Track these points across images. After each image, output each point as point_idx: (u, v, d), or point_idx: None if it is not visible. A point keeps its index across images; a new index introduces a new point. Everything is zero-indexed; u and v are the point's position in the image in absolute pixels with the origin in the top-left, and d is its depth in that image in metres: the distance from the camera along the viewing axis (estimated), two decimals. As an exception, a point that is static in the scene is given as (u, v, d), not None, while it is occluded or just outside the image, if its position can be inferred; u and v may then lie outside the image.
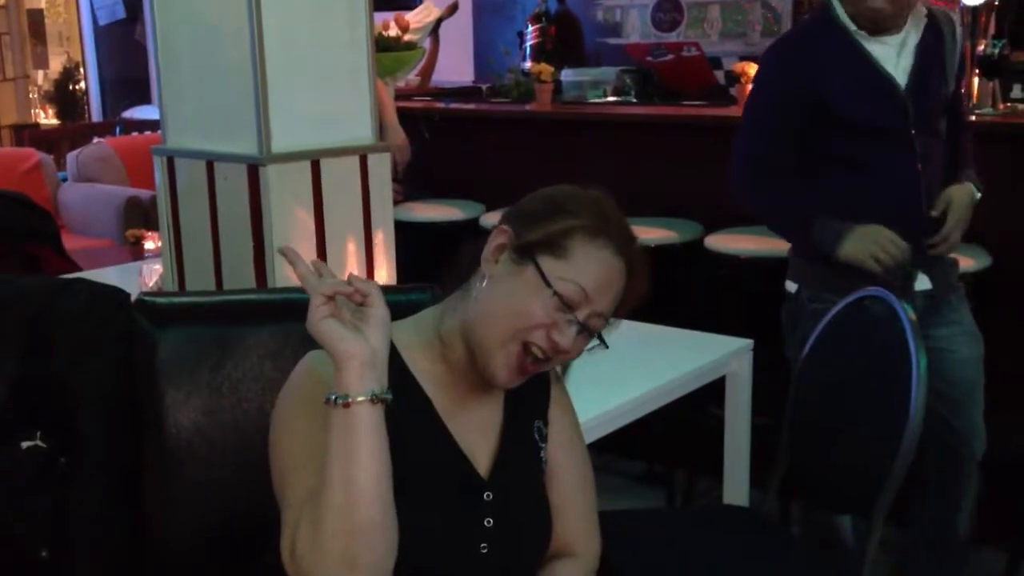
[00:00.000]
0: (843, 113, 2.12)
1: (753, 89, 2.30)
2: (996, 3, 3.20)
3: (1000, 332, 2.58)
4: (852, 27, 2.13)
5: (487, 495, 1.29)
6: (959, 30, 2.26)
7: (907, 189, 2.13)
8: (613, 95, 4.07)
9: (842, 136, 2.14)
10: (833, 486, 1.94)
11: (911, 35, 2.15)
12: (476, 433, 1.32)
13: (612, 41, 5.18)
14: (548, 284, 1.22)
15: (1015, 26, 4.36)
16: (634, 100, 4.02)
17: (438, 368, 1.30)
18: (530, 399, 1.37)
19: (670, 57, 4.19)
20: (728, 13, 4.85)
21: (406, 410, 1.21)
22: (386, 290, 1.16)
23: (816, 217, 2.13)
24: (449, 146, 3.88)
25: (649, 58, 4.17)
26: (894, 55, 2.14)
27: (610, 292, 1.25)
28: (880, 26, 2.12)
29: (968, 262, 2.62)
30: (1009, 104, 3.08)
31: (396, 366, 1.20)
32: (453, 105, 4.10)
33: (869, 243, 2.07)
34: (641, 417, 2.03)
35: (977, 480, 2.30)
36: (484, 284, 1.26)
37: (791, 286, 2.29)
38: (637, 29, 5.11)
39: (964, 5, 3.06)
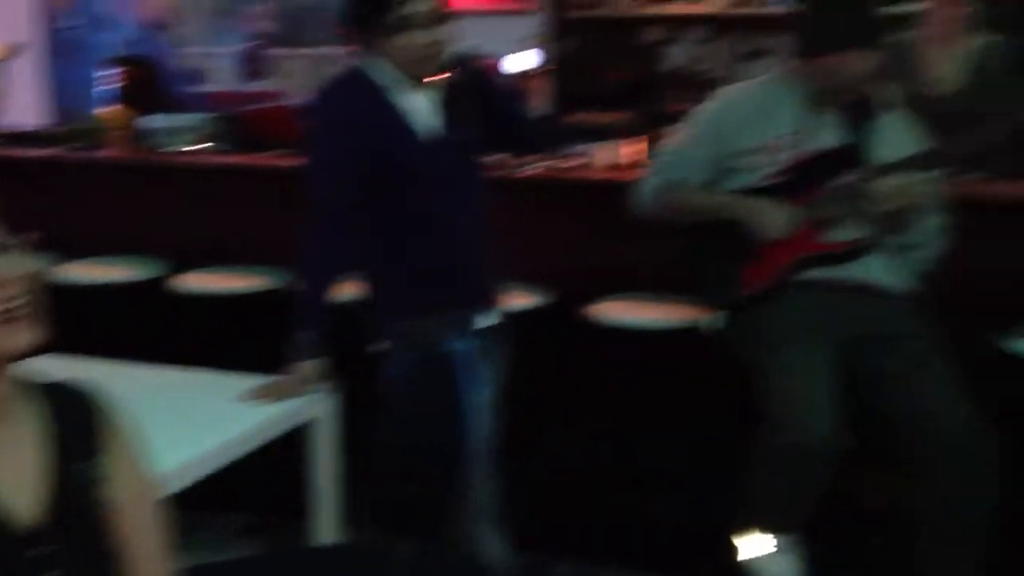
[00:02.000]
0: (383, 167, 2.20)
1: (314, 142, 2.29)
2: (537, 71, 3.61)
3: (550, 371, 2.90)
4: (389, 81, 2.21)
5: (42, 549, 1.24)
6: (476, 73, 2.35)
7: (453, 240, 2.28)
8: (200, 142, 4.02)
9: (395, 187, 2.22)
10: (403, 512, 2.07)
11: (443, 85, 2.26)
12: (12, 477, 1.26)
13: (198, 88, 5.12)
14: None
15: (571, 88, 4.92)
16: (220, 148, 4.01)
17: None
18: (73, 437, 1.33)
19: (257, 106, 4.26)
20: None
21: None
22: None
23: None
24: (12, 192, 3.63)
25: (236, 106, 4.20)
26: (429, 106, 2.24)
27: None
28: (421, 76, 2.22)
29: (525, 300, 2.92)
30: (556, 161, 3.48)
31: None
32: (19, 151, 3.87)
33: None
34: (233, 466, 2.04)
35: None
36: None
37: (383, 344, 2.34)
38: (223, 77, 5.10)
39: (511, 72, 3.41)
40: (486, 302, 2.35)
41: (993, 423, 2.34)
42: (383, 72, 2.22)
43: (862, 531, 2.72)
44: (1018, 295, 2.69)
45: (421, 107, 2.25)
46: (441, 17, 2.21)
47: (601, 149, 3.44)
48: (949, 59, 3.40)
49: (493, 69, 2.40)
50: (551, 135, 2.44)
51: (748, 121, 2.58)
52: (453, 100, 2.27)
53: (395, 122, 2.23)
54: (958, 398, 2.36)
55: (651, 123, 4.27)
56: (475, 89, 2.29)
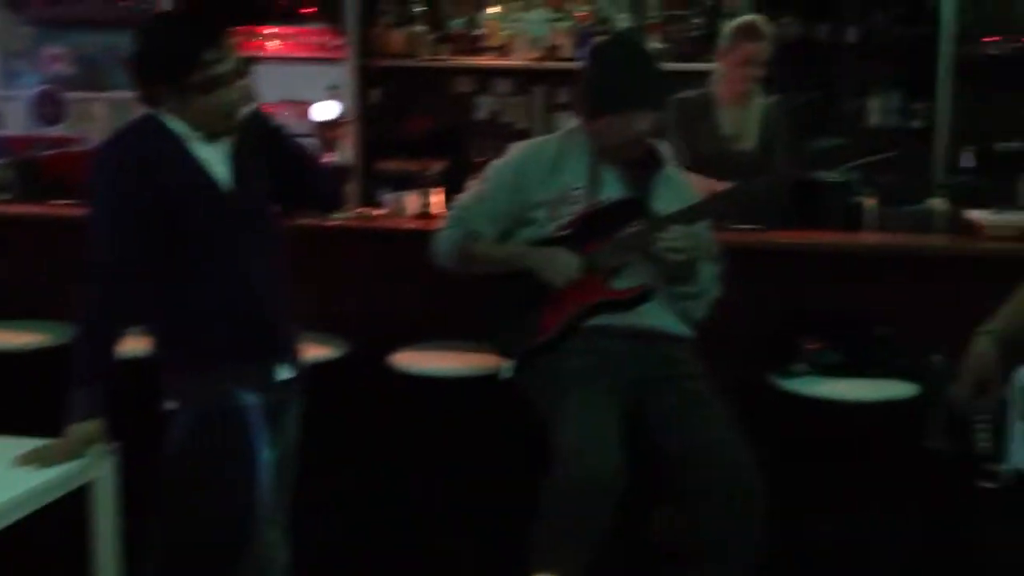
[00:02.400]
0: (174, 218, 2.15)
1: (99, 191, 2.20)
2: (344, 119, 3.65)
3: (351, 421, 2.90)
4: (183, 132, 2.17)
5: None
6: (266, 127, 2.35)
7: (246, 292, 2.26)
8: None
9: (185, 237, 2.17)
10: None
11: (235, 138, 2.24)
12: None
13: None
14: None
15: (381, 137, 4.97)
16: (10, 195, 3.84)
17: None
18: None
19: (52, 151, 4.10)
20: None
21: None
22: None
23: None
24: None
25: (31, 152, 4.04)
26: (221, 157, 2.21)
27: None
28: (219, 131, 2.20)
29: (325, 350, 2.92)
30: (362, 209, 3.52)
31: None
32: None
33: None
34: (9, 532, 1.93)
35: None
36: None
37: (173, 401, 2.27)
38: (17, 121, 4.88)
39: (315, 120, 3.44)
40: (281, 354, 2.33)
41: (767, 458, 2.50)
42: (178, 123, 2.19)
43: (650, 570, 2.83)
44: (787, 336, 2.88)
45: (214, 158, 2.23)
46: (244, 72, 2.21)
47: (408, 198, 3.50)
48: (742, 116, 3.64)
49: (283, 127, 2.40)
50: (339, 191, 2.44)
51: (541, 174, 2.69)
52: (243, 153, 2.27)
53: (192, 172, 2.19)
54: (731, 435, 2.51)
55: (459, 173, 4.37)
56: (265, 144, 2.29)
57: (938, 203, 3.32)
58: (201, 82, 2.13)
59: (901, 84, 4.78)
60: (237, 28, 4.69)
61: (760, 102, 3.66)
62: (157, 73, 2.17)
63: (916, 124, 4.71)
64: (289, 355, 2.34)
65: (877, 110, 4.76)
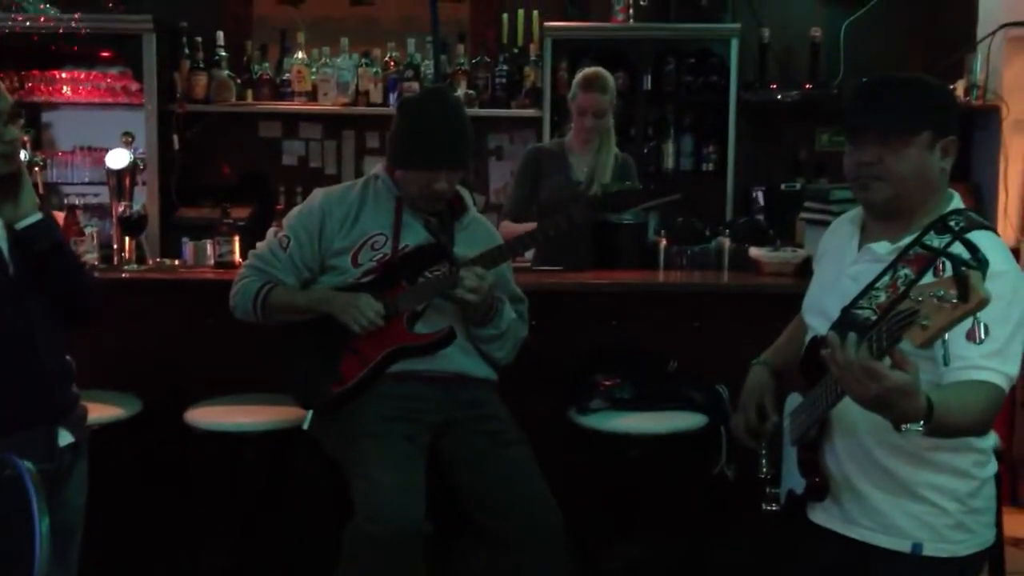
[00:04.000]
0: None
1: None
2: (141, 167, 3.54)
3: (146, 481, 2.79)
4: None
5: None
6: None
7: (27, 356, 2.16)
8: None
9: None
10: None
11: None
12: None
13: None
14: None
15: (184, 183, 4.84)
16: None
17: None
18: None
19: None
20: None
21: None
22: None
23: None
24: None
25: None
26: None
27: None
28: None
29: (116, 410, 2.81)
30: (158, 260, 3.43)
31: None
32: None
33: None
34: None
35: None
36: None
37: None
38: None
39: (108, 168, 3.33)
40: (63, 418, 2.23)
41: (567, 493, 2.57)
42: None
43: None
44: (585, 373, 2.97)
45: None
46: (13, 116, 2.12)
47: (207, 246, 3.42)
48: (593, 163, 3.81)
49: (63, 244, 2.29)
50: (98, 309, 2.36)
51: (342, 221, 2.68)
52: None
53: None
54: (530, 474, 2.56)
55: (266, 219, 4.31)
56: (42, 258, 2.17)
57: (724, 242, 3.52)
58: None
59: (694, 129, 5.06)
60: (31, 71, 4.52)
61: (615, 152, 3.85)
62: None
63: (709, 167, 5.00)
64: (70, 419, 2.24)
65: (671, 154, 5.01)
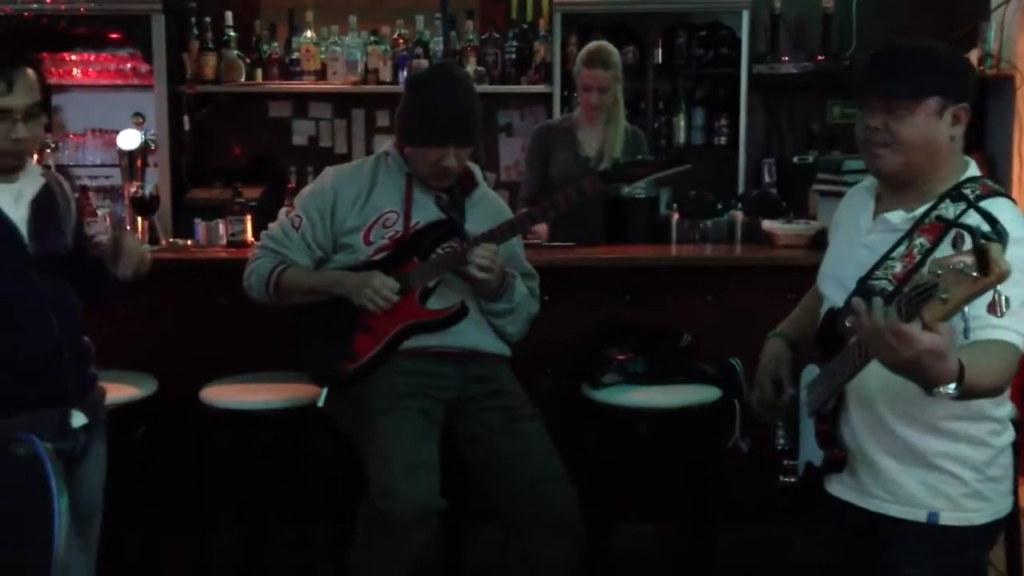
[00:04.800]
0: None
1: None
2: (153, 148, 3.54)
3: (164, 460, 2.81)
4: None
5: None
6: (73, 195, 2.37)
7: (41, 338, 2.17)
8: None
9: None
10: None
11: (28, 187, 2.22)
12: None
13: None
14: None
15: (196, 164, 4.84)
16: None
17: None
18: None
19: None
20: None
21: None
22: None
23: None
24: None
25: None
26: (12, 198, 2.17)
27: None
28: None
29: (132, 390, 2.82)
30: (170, 241, 3.42)
31: None
32: None
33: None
34: None
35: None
36: None
37: None
38: None
39: (120, 149, 3.33)
40: (78, 399, 2.24)
41: (579, 468, 2.57)
42: None
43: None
44: (598, 348, 2.97)
45: (5, 199, 2.15)
46: (28, 115, 2.14)
47: (219, 226, 3.43)
48: (601, 138, 3.80)
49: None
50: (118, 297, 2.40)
51: (354, 199, 2.68)
52: (44, 200, 2.22)
53: None
54: (545, 450, 2.57)
55: (277, 199, 4.31)
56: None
57: (737, 215, 3.51)
58: None
59: (705, 103, 5.02)
60: (41, 54, 4.54)
61: (624, 126, 3.82)
62: None
63: (720, 140, 4.97)
64: (85, 401, 2.26)
65: (682, 128, 4.99)
